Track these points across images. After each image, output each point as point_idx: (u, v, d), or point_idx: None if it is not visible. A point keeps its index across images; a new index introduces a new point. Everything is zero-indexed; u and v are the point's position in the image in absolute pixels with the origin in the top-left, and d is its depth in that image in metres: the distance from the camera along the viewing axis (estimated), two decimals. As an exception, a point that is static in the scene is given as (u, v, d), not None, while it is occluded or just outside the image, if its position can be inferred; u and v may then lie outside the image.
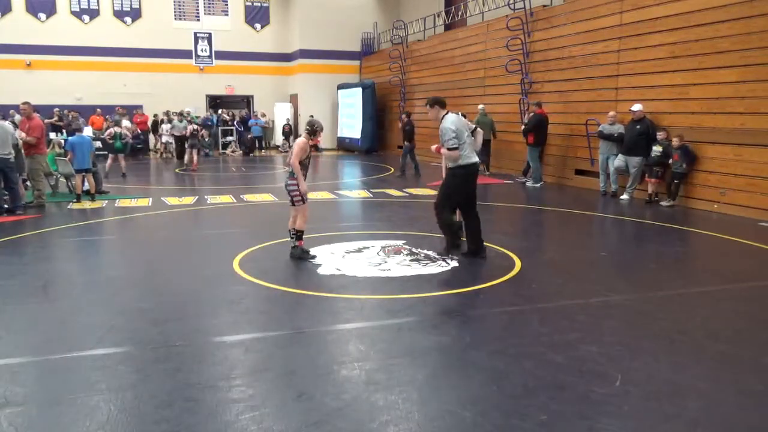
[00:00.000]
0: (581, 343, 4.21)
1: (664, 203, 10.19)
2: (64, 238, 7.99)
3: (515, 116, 14.42)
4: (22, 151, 10.08)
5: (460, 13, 18.56)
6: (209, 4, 24.77)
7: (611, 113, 11.23)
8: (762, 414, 3.28)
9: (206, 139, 21.21)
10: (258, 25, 25.60)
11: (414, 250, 6.95)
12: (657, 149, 10.21)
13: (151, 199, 11.18)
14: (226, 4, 24.98)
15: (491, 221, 8.70)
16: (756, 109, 8.97)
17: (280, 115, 24.65)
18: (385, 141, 22.96)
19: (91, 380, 3.63)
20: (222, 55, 24.70)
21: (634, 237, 8.40)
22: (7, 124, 9.79)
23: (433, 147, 6.69)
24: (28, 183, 10.35)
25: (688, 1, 10.02)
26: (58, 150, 11.93)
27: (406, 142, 15.21)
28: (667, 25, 10.41)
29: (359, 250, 6.96)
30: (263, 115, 24.39)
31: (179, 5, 24.34)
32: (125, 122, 21.07)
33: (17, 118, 13.59)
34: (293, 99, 25.52)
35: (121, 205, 10.47)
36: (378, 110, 22.69)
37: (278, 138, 24.61)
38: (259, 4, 25.47)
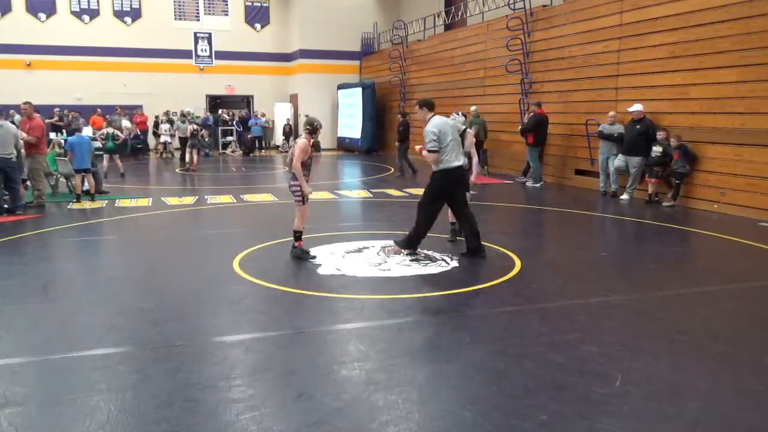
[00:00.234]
0: (581, 343, 4.21)
1: (664, 203, 10.19)
2: (64, 238, 7.99)
3: (515, 116, 14.42)
4: (23, 151, 10.08)
5: (460, 13, 18.56)
6: (209, 4, 24.77)
7: (611, 113, 11.23)
8: (762, 414, 3.28)
9: (206, 139, 21.20)
10: (258, 25, 25.60)
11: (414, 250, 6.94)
12: (657, 149, 10.21)
13: (151, 199, 11.18)
14: (226, 4, 24.98)
15: (491, 221, 8.71)
16: (756, 109, 8.97)
17: (280, 115, 24.65)
18: (385, 141, 22.96)
19: (91, 380, 3.63)
20: (222, 55, 24.70)
21: (634, 237, 8.40)
22: (10, 124, 9.78)
23: (417, 147, 6.73)
24: (28, 183, 10.35)
25: (688, 1, 10.02)
26: (58, 150, 11.93)
27: (397, 143, 15.24)
28: (667, 25, 10.41)
29: (359, 250, 6.96)
30: (263, 115, 24.39)
31: (179, 5, 24.34)
32: (125, 122, 21.11)
33: (17, 118, 13.61)
34: (293, 99, 25.51)
35: (121, 205, 10.46)
36: (378, 110, 22.69)
37: (278, 138, 24.61)
38: (259, 4, 25.47)
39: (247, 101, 26.77)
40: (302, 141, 6.45)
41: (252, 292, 5.47)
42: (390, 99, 22.30)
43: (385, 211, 9.98)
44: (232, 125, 23.68)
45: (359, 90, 22.50)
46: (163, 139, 21.05)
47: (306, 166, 6.47)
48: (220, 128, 23.29)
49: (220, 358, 3.99)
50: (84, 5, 23.14)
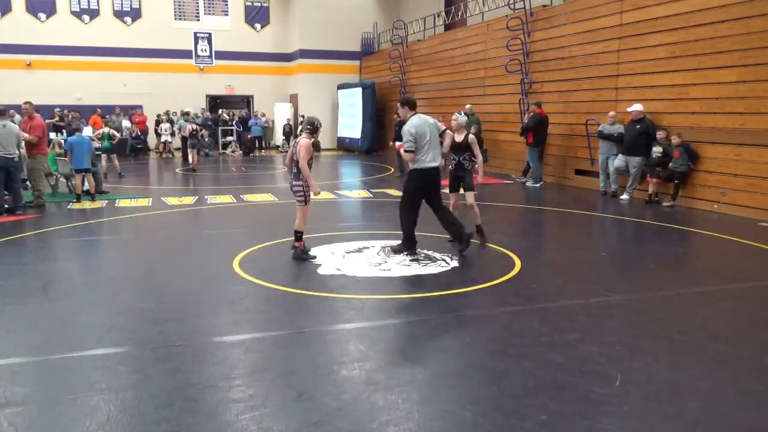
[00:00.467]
0: (581, 343, 4.21)
1: (664, 203, 10.19)
2: (64, 238, 7.99)
3: (515, 116, 14.42)
4: (23, 151, 10.09)
5: (460, 13, 18.55)
6: (209, 4, 24.77)
7: (611, 113, 11.23)
8: (762, 414, 3.28)
9: (206, 139, 21.22)
10: (258, 25, 25.60)
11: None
12: (657, 149, 10.21)
13: (151, 199, 11.18)
14: (226, 4, 24.98)
15: (491, 221, 8.70)
16: (756, 109, 8.97)
17: (280, 115, 24.65)
18: (385, 141, 22.90)
19: (91, 380, 3.63)
20: (222, 55, 24.69)
21: (634, 237, 8.40)
22: (12, 124, 9.79)
23: (397, 144, 6.72)
24: (27, 183, 10.36)
25: (688, 1, 10.02)
26: (58, 150, 11.94)
27: (391, 142, 15.25)
28: (667, 25, 10.41)
29: (359, 250, 6.96)
30: (263, 115, 24.39)
31: (179, 5, 24.34)
32: (125, 122, 21.13)
33: (17, 118, 13.61)
34: (293, 99, 25.51)
35: (121, 205, 10.47)
36: (378, 110, 22.69)
37: (278, 138, 24.61)
38: (259, 4, 25.46)
39: (247, 101, 26.76)
40: (305, 141, 6.44)
41: (252, 292, 5.47)
42: (390, 99, 22.28)
43: (385, 211, 9.97)
44: (232, 125, 23.69)
45: (359, 90, 22.50)
46: (163, 138, 21.07)
47: (309, 165, 6.48)
48: (220, 128, 23.28)
49: (220, 358, 3.99)
50: (84, 5, 23.13)
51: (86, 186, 10.80)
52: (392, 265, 6.32)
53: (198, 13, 24.63)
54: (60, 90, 22.19)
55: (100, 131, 14.78)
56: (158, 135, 21.31)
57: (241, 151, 22.81)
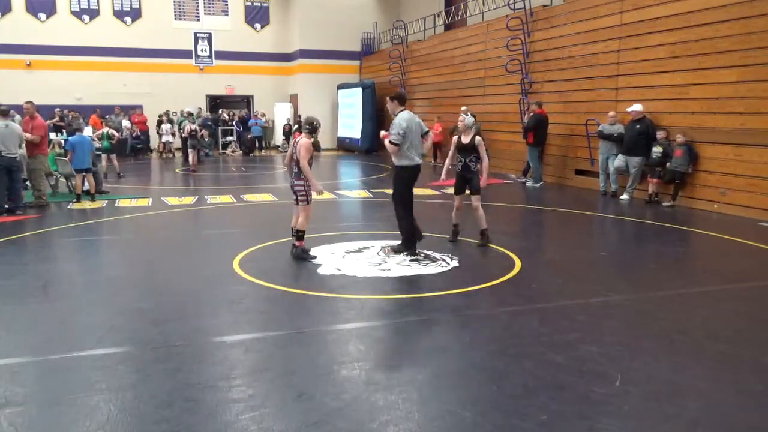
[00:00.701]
0: (581, 343, 4.21)
1: (664, 203, 10.19)
2: (64, 238, 7.99)
3: (515, 116, 14.43)
4: (24, 151, 10.10)
5: (460, 13, 18.55)
6: (209, 4, 24.77)
7: (611, 113, 11.23)
8: (762, 414, 3.28)
9: (206, 139, 21.23)
10: (258, 25, 25.60)
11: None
12: (657, 149, 10.21)
13: (151, 199, 11.18)
14: (226, 4, 24.98)
15: (491, 221, 8.69)
16: (756, 109, 8.97)
17: (280, 115, 24.65)
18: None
19: (91, 380, 3.63)
20: (222, 55, 24.69)
21: (634, 237, 8.40)
22: (15, 124, 9.79)
23: (383, 133, 6.72)
24: (27, 183, 10.36)
25: (688, 1, 10.02)
26: (58, 150, 11.94)
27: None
28: (667, 25, 10.41)
29: (359, 250, 6.96)
30: (263, 115, 24.39)
31: (179, 5, 24.34)
32: (125, 122, 21.13)
33: (17, 118, 13.59)
34: (293, 99, 25.51)
35: (121, 205, 10.47)
36: (378, 110, 22.68)
37: (278, 138, 24.61)
38: (259, 4, 25.47)
39: (247, 101, 26.76)
40: (305, 140, 6.46)
41: (252, 292, 5.47)
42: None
43: (385, 211, 9.96)
44: (232, 125, 23.69)
45: (359, 90, 22.50)
46: (164, 138, 21.07)
47: (309, 164, 6.49)
48: (220, 128, 23.28)
49: (220, 358, 3.99)
50: (84, 5, 23.14)
51: (86, 186, 10.80)
52: (392, 265, 6.32)
53: (198, 13, 24.63)
54: (60, 90, 22.19)
55: (101, 131, 14.77)
56: (160, 135, 21.32)
57: (241, 151, 22.81)
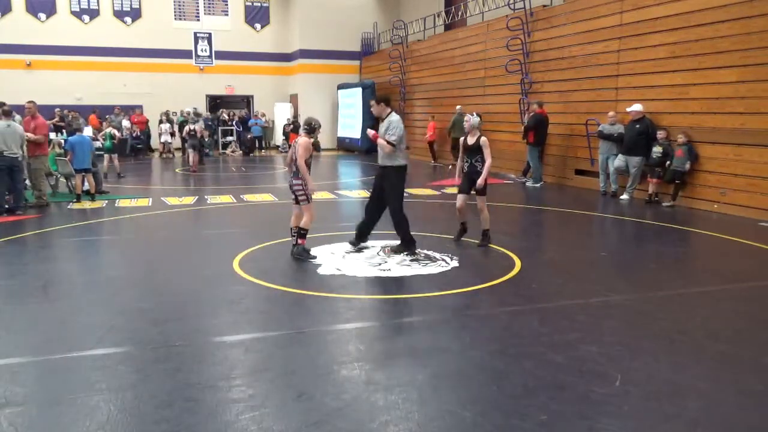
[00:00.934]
0: (581, 343, 4.21)
1: (664, 203, 10.19)
2: (64, 238, 7.99)
3: (515, 116, 14.43)
4: (25, 151, 10.11)
5: (460, 13, 18.56)
6: (209, 4, 24.77)
7: (611, 113, 11.23)
8: (762, 414, 3.28)
9: (206, 139, 21.23)
10: (258, 25, 25.60)
11: (414, 250, 6.95)
12: (657, 149, 10.21)
13: (151, 199, 11.19)
14: (226, 4, 24.98)
15: (492, 221, 8.69)
16: (756, 109, 8.97)
17: (280, 115, 24.65)
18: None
19: (91, 380, 3.63)
20: (222, 55, 24.69)
21: (634, 237, 8.40)
22: (16, 124, 9.80)
23: (372, 132, 6.72)
24: (27, 183, 10.37)
25: (688, 1, 10.02)
26: (58, 150, 11.93)
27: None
28: (667, 25, 10.41)
29: (359, 250, 6.96)
30: (263, 115, 24.39)
31: (179, 5, 24.34)
32: (125, 122, 21.13)
33: (17, 118, 13.58)
34: (293, 99, 25.51)
35: (121, 205, 10.47)
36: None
37: (278, 138, 24.61)
38: (259, 4, 25.46)
39: (247, 101, 26.76)
40: (304, 140, 6.49)
41: (252, 292, 5.47)
42: (390, 99, 22.26)
43: (384, 211, 9.96)
44: (232, 125, 23.69)
45: (359, 90, 22.50)
46: (163, 138, 21.07)
47: (307, 165, 6.50)
48: (220, 128, 23.29)
49: (220, 358, 3.99)
50: (84, 5, 23.14)
51: (86, 186, 10.80)
52: (392, 265, 6.32)
53: (198, 13, 24.63)
54: (60, 90, 22.20)
55: (105, 131, 14.81)
56: (160, 135, 21.33)
57: (241, 151, 22.81)
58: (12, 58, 22.18)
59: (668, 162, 10.02)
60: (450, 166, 16.20)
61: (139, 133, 21.58)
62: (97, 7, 23.30)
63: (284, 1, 25.41)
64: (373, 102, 6.78)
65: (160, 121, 21.44)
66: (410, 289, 5.52)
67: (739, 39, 9.17)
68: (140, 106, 22.89)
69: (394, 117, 6.71)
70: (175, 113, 21.82)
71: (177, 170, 17.00)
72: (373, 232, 7.15)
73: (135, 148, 21.27)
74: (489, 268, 6.30)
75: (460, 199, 7.30)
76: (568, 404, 3.32)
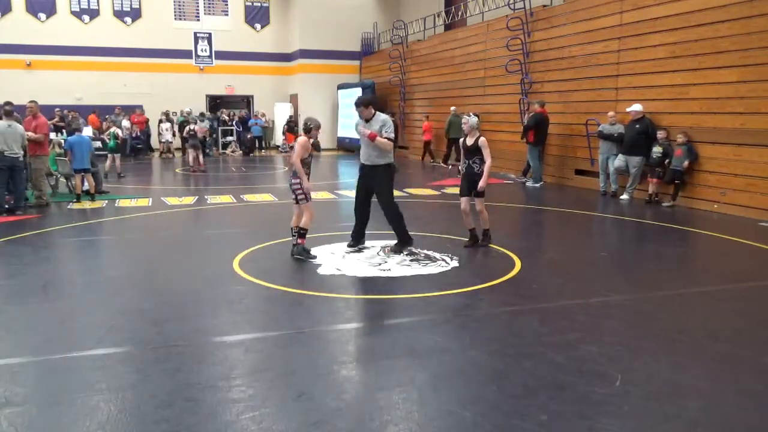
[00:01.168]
0: (581, 343, 4.21)
1: (664, 203, 10.19)
2: (64, 238, 7.99)
3: (515, 116, 14.43)
4: (27, 151, 10.12)
5: (460, 13, 18.56)
6: (209, 4, 24.77)
7: (611, 113, 11.23)
8: (762, 414, 3.28)
9: (207, 139, 21.23)
10: (258, 25, 25.60)
11: (414, 250, 6.95)
12: (657, 149, 10.21)
13: (151, 199, 11.19)
14: (226, 4, 24.98)
15: (491, 221, 8.69)
16: (756, 109, 8.97)
17: (280, 115, 24.65)
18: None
19: (91, 380, 3.63)
20: (222, 55, 24.68)
21: (634, 237, 8.40)
22: (18, 124, 9.80)
23: (367, 132, 6.70)
24: (27, 183, 10.36)
25: (688, 1, 10.02)
26: (58, 150, 11.93)
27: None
28: (667, 25, 10.41)
29: (359, 250, 6.96)
30: (263, 115, 24.39)
31: (179, 5, 24.34)
32: (125, 122, 21.13)
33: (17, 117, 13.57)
34: (293, 99, 25.51)
35: (121, 205, 10.47)
36: (379, 110, 22.65)
37: (278, 138, 24.61)
38: (259, 4, 25.46)
39: (247, 101, 26.76)
40: (302, 138, 6.52)
41: (252, 292, 5.47)
42: (390, 99, 22.30)
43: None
44: (232, 125, 23.68)
45: (359, 90, 22.48)
46: (163, 138, 21.06)
47: (306, 164, 6.52)
48: (220, 128, 23.29)
49: (220, 358, 3.99)
50: (84, 5, 23.13)
51: (86, 186, 10.80)
52: (392, 265, 6.32)
53: (198, 13, 24.62)
54: (60, 90, 22.18)
55: (110, 131, 14.83)
56: (160, 135, 21.33)
57: (241, 151, 22.81)
58: (12, 58, 22.17)
59: (668, 161, 10.02)
60: (450, 166, 16.21)
61: (138, 133, 21.58)
62: (97, 7, 23.30)
63: (284, 1, 25.41)
64: (362, 107, 6.76)
65: (160, 121, 21.45)
66: (410, 289, 5.52)
67: (739, 39, 9.17)
68: (140, 106, 22.88)
69: (384, 116, 6.85)
70: (175, 113, 21.82)
71: (177, 170, 17.00)
72: (373, 232, 7.15)
73: (135, 148, 21.27)
74: (489, 268, 6.30)
75: (463, 201, 7.23)
76: (568, 404, 3.32)
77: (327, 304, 5.13)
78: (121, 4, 23.57)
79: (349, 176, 16.33)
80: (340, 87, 24.16)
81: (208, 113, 23.80)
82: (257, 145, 23.65)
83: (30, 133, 9.93)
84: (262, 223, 9.10)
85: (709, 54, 9.67)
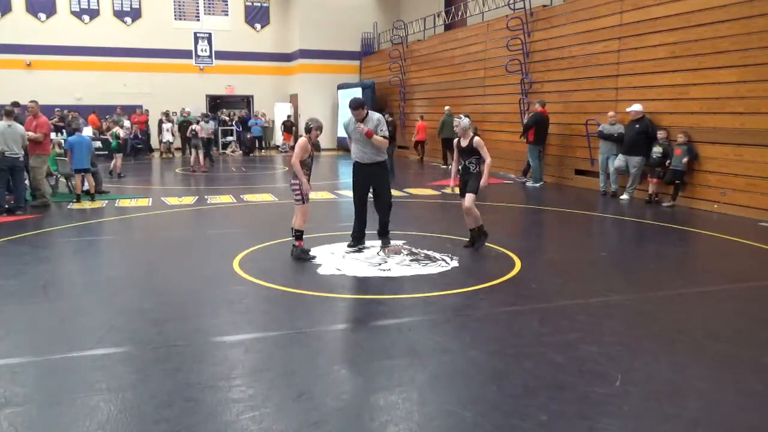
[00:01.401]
0: (581, 343, 4.21)
1: (664, 203, 10.19)
2: (64, 238, 7.99)
3: (515, 116, 14.43)
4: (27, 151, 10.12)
5: (460, 13, 18.56)
6: (209, 4, 24.77)
7: (611, 113, 11.23)
8: (762, 414, 3.28)
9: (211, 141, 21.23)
10: (258, 25, 25.60)
11: (414, 250, 6.96)
12: (657, 149, 10.20)
13: (151, 199, 11.18)
14: (226, 4, 24.98)
15: (491, 221, 8.69)
16: (756, 109, 8.97)
17: (280, 115, 24.65)
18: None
19: (91, 380, 3.63)
20: (222, 55, 24.69)
21: (634, 237, 8.40)
22: (18, 124, 9.81)
23: (366, 129, 6.73)
24: (26, 182, 10.37)
25: (688, 1, 10.02)
26: (58, 150, 11.94)
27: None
28: (667, 25, 10.41)
29: (359, 250, 6.96)
30: (263, 115, 24.39)
31: (179, 5, 24.34)
32: (125, 122, 21.13)
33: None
34: (293, 99, 25.51)
35: (121, 205, 10.47)
36: (378, 110, 22.63)
37: (278, 138, 24.62)
38: (259, 4, 25.47)
39: (247, 101, 26.76)
40: (302, 140, 6.51)
41: (252, 292, 5.47)
42: (390, 99, 22.31)
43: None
44: (232, 125, 23.67)
45: (359, 90, 22.49)
46: (164, 138, 21.06)
47: (306, 165, 6.51)
48: (220, 128, 23.30)
49: (220, 358, 3.99)
50: (84, 5, 23.14)
51: (86, 186, 10.80)
52: (392, 265, 6.32)
53: (198, 13, 24.63)
54: (60, 90, 22.19)
55: (113, 131, 14.84)
56: (161, 135, 21.34)
57: (241, 151, 22.80)
58: (12, 58, 22.18)
59: (668, 161, 10.02)
60: (446, 167, 16.21)
61: (138, 133, 21.58)
62: (97, 7, 23.31)
63: (284, 1, 25.41)
64: (359, 109, 6.79)
65: (160, 121, 21.45)
66: (410, 289, 5.52)
67: (739, 39, 9.17)
68: (140, 106, 22.88)
69: (377, 115, 7.01)
70: (175, 113, 21.81)
71: (177, 170, 17.00)
72: (372, 232, 7.15)
73: (135, 148, 21.27)
74: (489, 268, 6.30)
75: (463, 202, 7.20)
76: (568, 404, 3.32)
77: (327, 304, 5.13)
78: (121, 4, 23.58)
79: (349, 176, 16.32)
80: (340, 87, 24.16)
81: (207, 113, 23.80)
82: (257, 145, 23.65)
83: (30, 133, 9.93)
84: (262, 223, 9.11)
85: (709, 54, 9.67)
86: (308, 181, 6.57)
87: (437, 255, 6.73)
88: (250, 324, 4.71)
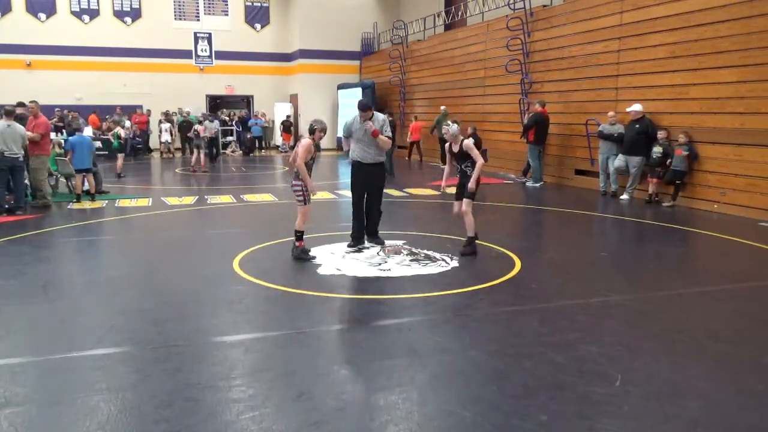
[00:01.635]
0: (581, 343, 4.21)
1: (664, 203, 10.19)
2: (64, 238, 7.99)
3: (515, 116, 14.43)
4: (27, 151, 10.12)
5: (460, 13, 18.56)
6: (209, 4, 24.77)
7: (611, 113, 11.23)
8: (762, 414, 3.28)
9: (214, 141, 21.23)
10: (258, 25, 25.60)
11: (414, 250, 6.96)
12: (657, 150, 10.20)
13: (151, 199, 11.18)
14: (226, 4, 24.98)
15: (491, 221, 8.71)
16: (756, 109, 8.97)
17: (280, 115, 24.65)
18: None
19: (91, 380, 3.63)
20: (222, 55, 24.69)
21: (634, 237, 8.40)
22: (17, 124, 9.80)
23: (374, 127, 6.82)
24: (26, 182, 10.36)
25: (688, 1, 10.02)
26: (58, 150, 11.93)
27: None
28: (667, 25, 10.41)
29: (359, 250, 6.96)
30: (263, 115, 24.38)
31: (179, 5, 24.34)
32: (126, 122, 21.13)
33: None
34: (293, 99, 25.51)
35: (121, 205, 10.47)
36: (378, 110, 22.62)
37: (278, 138, 24.61)
38: (259, 4, 25.46)
39: (247, 101, 26.76)
40: (306, 141, 6.51)
41: (252, 292, 5.47)
42: (390, 99, 22.31)
43: (384, 211, 9.95)
44: (232, 125, 23.67)
45: (359, 90, 22.49)
46: (163, 138, 21.05)
47: (308, 166, 6.51)
48: (219, 128, 23.28)
49: (220, 358, 3.99)
50: (84, 5, 23.14)
51: (86, 186, 10.80)
52: (392, 265, 6.32)
53: (198, 13, 24.63)
54: (60, 90, 22.19)
55: (114, 131, 14.83)
56: (161, 135, 21.34)
57: (241, 151, 22.80)
58: (12, 58, 22.18)
59: (669, 161, 10.02)
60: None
61: (138, 133, 21.58)
62: (97, 7, 23.30)
63: (284, 1, 25.41)
64: (368, 111, 6.90)
65: (160, 122, 21.44)
66: (410, 289, 5.52)
67: (739, 39, 9.17)
68: (140, 106, 22.88)
69: (382, 116, 7.13)
70: (175, 113, 21.82)
71: (177, 170, 17.00)
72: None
73: (135, 148, 21.27)
74: (489, 268, 6.30)
75: (456, 206, 7.15)
76: (568, 404, 3.32)
77: (327, 304, 5.13)
78: (121, 4, 23.58)
79: (348, 176, 16.33)
80: (340, 87, 24.16)
81: (207, 113, 23.81)
82: (257, 145, 23.65)
83: (28, 133, 9.93)
84: (262, 223, 9.11)
85: (709, 54, 9.67)
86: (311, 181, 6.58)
87: (437, 255, 6.73)
88: (250, 324, 4.71)
